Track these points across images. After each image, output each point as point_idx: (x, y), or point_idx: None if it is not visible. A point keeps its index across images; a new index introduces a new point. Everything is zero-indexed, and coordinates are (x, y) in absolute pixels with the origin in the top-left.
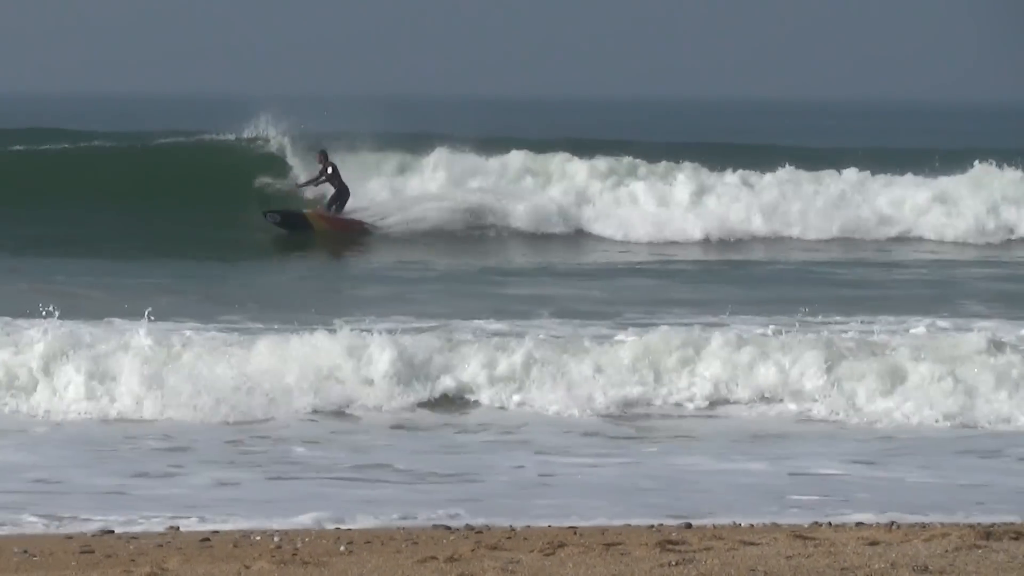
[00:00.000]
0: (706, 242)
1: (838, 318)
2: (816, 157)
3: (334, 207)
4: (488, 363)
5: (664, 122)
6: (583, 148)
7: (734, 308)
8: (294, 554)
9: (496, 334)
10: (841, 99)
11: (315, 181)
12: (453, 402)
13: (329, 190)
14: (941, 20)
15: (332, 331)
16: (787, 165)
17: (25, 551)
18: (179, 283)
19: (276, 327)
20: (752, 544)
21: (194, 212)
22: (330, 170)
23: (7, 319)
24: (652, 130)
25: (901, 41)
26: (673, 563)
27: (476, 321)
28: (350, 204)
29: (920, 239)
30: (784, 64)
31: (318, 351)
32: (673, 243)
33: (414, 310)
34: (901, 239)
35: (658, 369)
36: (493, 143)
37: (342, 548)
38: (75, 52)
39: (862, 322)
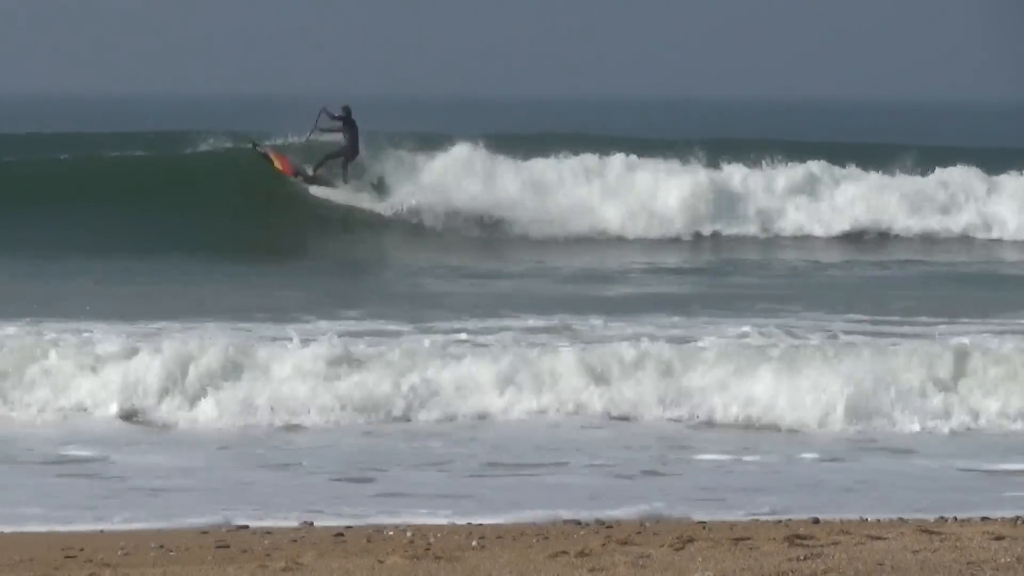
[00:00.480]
0: None
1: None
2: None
3: (341, 159)
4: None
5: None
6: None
7: None
8: (427, 549)
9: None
10: (875, 98)
11: (327, 125)
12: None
13: (341, 142)
14: (951, 21)
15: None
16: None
17: (162, 546)
18: (298, 282)
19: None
20: (879, 539)
21: (259, 214)
22: (343, 125)
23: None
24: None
25: (907, 42)
26: (801, 557)
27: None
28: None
29: None
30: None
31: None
32: None
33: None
34: None
35: None
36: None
37: (474, 543)
38: (58, 52)
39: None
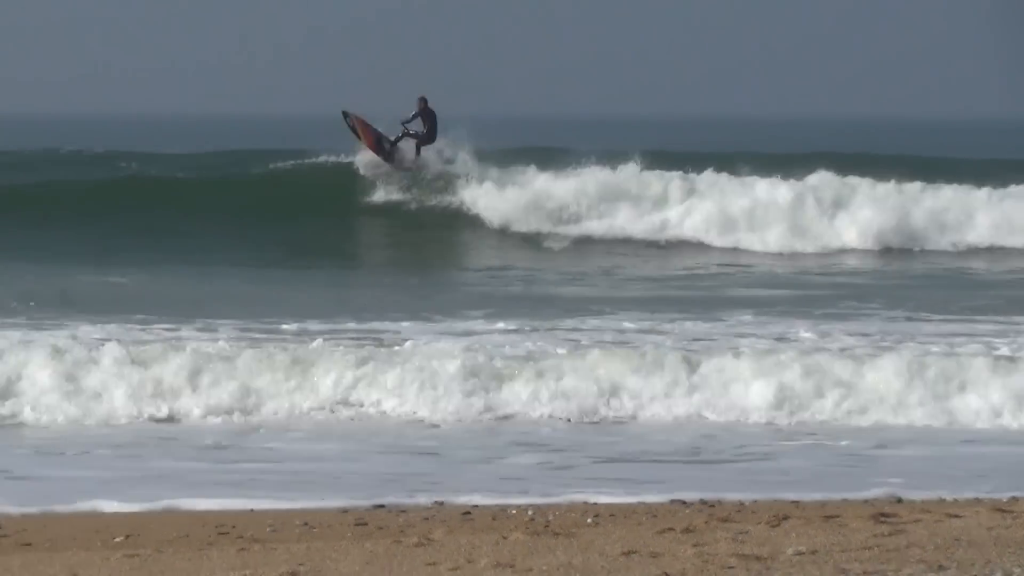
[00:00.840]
0: None
1: None
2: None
3: (415, 143)
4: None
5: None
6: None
7: None
8: (546, 526)
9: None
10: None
11: (410, 120)
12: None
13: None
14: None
15: None
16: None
17: (306, 523)
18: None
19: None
20: (956, 516)
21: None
22: (418, 113)
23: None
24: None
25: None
26: (886, 533)
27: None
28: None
29: None
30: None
31: None
32: None
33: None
34: None
35: None
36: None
37: (589, 520)
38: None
39: None
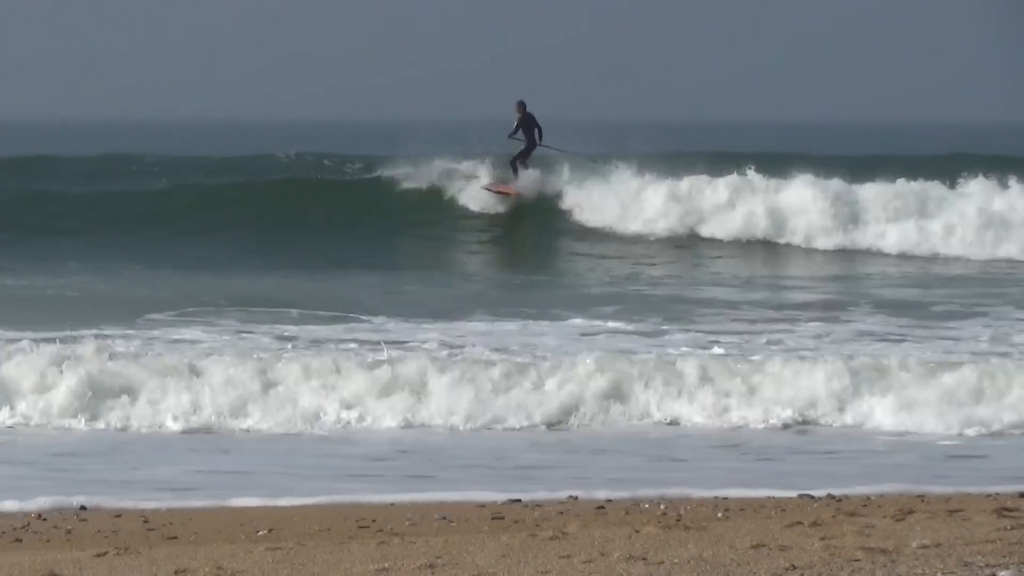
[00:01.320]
0: None
1: None
2: None
3: (520, 158)
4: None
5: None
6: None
7: None
8: (677, 520)
9: None
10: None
11: (514, 132)
12: None
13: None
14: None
15: None
16: None
17: (444, 517)
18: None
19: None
20: None
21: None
22: (519, 123)
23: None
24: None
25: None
26: (1008, 527)
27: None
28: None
29: None
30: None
31: None
32: None
33: None
34: None
35: None
36: None
37: (719, 515)
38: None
39: None
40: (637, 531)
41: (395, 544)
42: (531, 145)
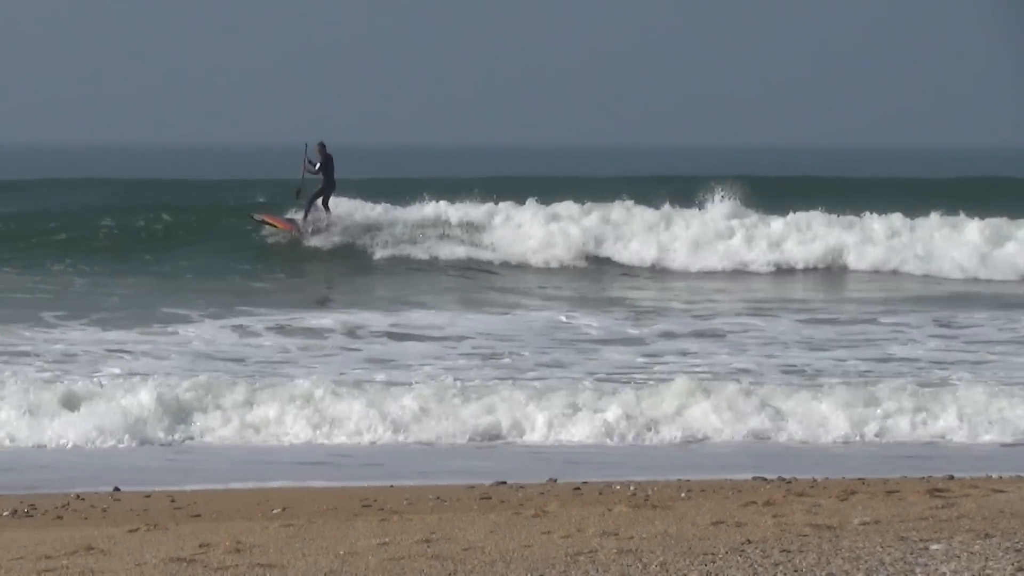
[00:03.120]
0: None
1: None
2: None
3: (320, 198)
4: None
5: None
6: None
7: None
8: (646, 499)
9: None
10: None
11: (312, 169)
12: None
13: (319, 180)
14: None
15: None
16: None
17: (438, 497)
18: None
19: None
20: (1001, 492)
21: None
22: (320, 165)
23: None
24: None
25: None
26: (939, 506)
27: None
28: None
29: None
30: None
31: None
32: None
33: None
34: None
35: None
36: None
37: (683, 495)
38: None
39: None
40: (610, 509)
41: (395, 521)
42: (330, 186)
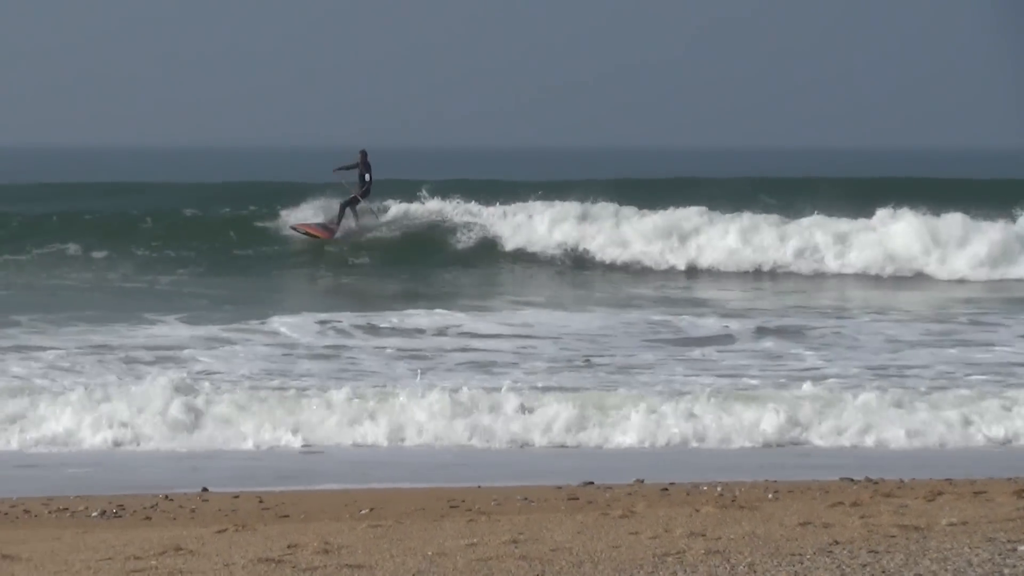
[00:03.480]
0: None
1: None
2: None
3: (353, 204)
4: None
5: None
6: None
7: None
8: (733, 500)
9: None
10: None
11: (348, 167)
12: None
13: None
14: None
15: None
16: None
17: (525, 498)
18: None
19: None
20: None
21: None
22: (366, 172)
23: None
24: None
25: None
26: None
27: None
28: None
29: None
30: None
31: None
32: None
33: None
34: None
35: None
36: None
37: (770, 496)
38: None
39: None
40: (697, 510)
41: (482, 522)
42: (365, 193)
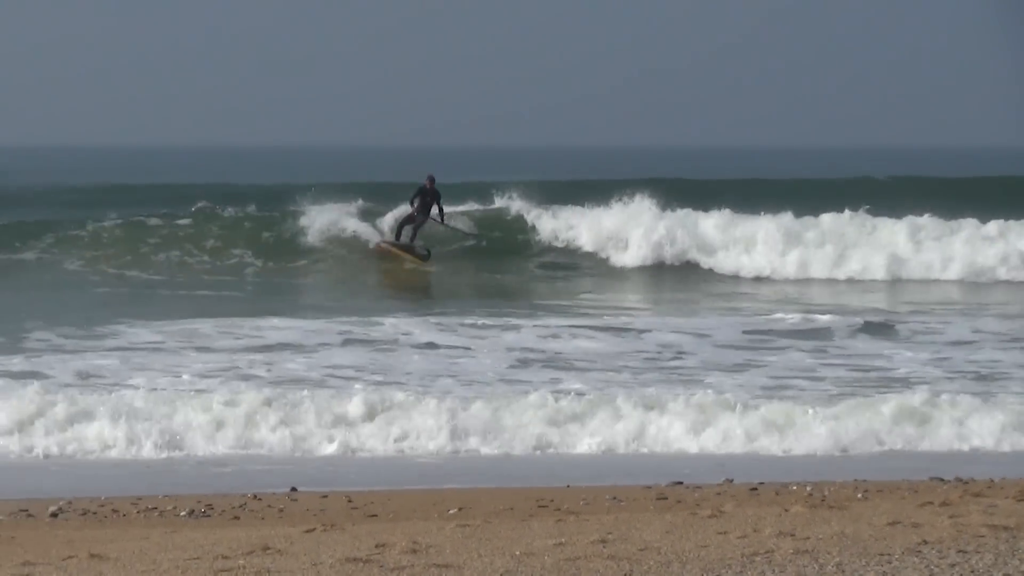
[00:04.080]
0: None
1: None
2: None
3: (409, 225)
4: None
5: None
6: None
7: None
8: (822, 500)
9: None
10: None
11: (420, 198)
12: None
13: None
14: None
15: None
16: None
17: (614, 498)
18: None
19: None
20: None
21: None
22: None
23: None
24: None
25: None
26: None
27: None
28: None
29: None
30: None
31: None
32: None
33: None
34: None
35: None
36: None
37: (859, 495)
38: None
39: None
40: (786, 510)
41: (571, 522)
42: (423, 219)
